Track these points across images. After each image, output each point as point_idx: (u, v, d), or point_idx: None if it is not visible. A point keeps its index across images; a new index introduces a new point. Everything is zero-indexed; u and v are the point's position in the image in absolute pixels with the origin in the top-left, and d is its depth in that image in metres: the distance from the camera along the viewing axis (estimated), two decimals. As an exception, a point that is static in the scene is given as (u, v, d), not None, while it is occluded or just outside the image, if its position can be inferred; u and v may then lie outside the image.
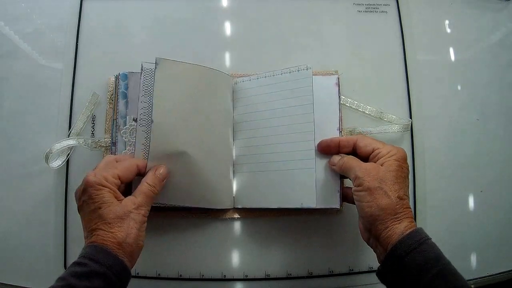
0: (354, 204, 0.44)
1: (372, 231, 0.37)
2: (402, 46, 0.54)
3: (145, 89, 0.44)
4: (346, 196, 0.45)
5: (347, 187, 0.45)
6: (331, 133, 0.46)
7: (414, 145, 0.52)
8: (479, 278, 0.51)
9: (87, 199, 0.37)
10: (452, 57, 0.56)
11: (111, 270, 0.34)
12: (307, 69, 0.45)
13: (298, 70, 0.46)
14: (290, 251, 0.49)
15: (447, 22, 0.57)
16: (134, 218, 0.37)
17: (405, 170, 0.39)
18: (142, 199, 0.39)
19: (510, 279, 0.52)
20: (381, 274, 0.37)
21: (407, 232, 0.35)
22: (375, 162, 0.40)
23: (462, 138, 0.54)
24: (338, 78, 0.47)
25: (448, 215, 0.52)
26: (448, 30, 0.57)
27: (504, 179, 0.53)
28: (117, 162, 0.41)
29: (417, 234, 0.35)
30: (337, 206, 0.44)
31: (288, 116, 0.46)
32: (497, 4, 0.59)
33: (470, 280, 0.50)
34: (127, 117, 0.48)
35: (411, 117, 0.52)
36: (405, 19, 0.55)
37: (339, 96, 0.47)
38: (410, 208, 0.38)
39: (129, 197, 0.39)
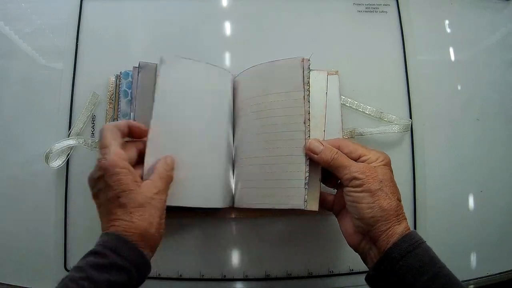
0: (331, 211, 0.43)
1: (371, 233, 0.36)
2: (402, 46, 0.54)
3: (142, 87, 0.44)
4: (323, 202, 0.42)
5: (324, 192, 0.43)
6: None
7: (414, 145, 0.52)
8: (479, 278, 0.51)
9: (103, 187, 0.34)
10: (452, 57, 0.56)
11: (132, 263, 0.32)
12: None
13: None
14: (290, 251, 0.49)
15: (447, 22, 0.57)
16: (156, 205, 0.35)
17: (392, 175, 0.39)
18: (162, 183, 0.36)
19: (510, 279, 0.52)
20: (372, 278, 0.36)
21: (402, 235, 0.35)
22: None
23: (462, 138, 0.54)
24: (308, 60, 0.41)
25: (448, 215, 0.52)
26: (448, 30, 0.57)
27: (504, 179, 0.53)
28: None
29: (411, 237, 0.35)
30: (315, 208, 0.40)
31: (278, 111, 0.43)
32: (497, 4, 0.59)
33: (470, 280, 0.50)
34: (131, 114, 0.47)
35: (411, 117, 0.52)
36: (405, 19, 0.55)
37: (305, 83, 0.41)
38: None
39: (148, 181, 0.36)
